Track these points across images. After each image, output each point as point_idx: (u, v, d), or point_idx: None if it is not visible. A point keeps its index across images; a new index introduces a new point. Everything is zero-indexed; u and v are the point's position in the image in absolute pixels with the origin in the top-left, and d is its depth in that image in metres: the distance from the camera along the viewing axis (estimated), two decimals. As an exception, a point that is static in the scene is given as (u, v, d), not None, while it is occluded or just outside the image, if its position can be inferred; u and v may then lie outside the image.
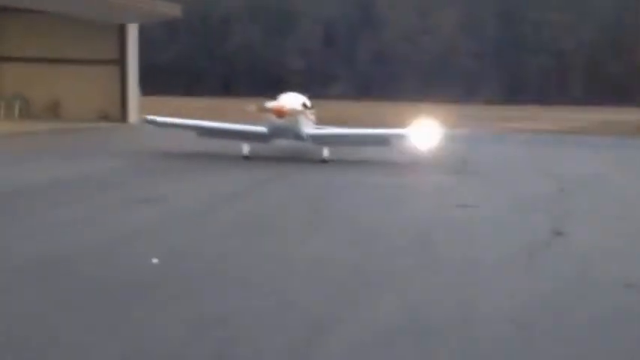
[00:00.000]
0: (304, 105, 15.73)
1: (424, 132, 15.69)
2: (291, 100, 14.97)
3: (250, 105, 14.65)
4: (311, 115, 16.39)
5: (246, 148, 15.20)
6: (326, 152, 15.12)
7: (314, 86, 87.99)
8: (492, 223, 9.03)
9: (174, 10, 25.99)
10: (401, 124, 21.85)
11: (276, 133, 14.98)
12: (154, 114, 31.21)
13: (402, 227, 8.52)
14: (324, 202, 10.22)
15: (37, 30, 26.21)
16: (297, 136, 15.19)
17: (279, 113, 14.37)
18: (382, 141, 16.14)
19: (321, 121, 32.69)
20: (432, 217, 9.28)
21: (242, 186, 11.38)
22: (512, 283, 5.99)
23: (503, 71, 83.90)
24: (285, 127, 14.72)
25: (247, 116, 15.77)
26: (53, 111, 26.96)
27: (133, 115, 26.52)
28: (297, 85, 78.24)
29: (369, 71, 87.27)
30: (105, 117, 26.66)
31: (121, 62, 26.09)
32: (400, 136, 16.52)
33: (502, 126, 33.99)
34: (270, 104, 14.58)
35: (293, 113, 14.56)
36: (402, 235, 8.00)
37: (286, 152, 16.59)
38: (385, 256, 6.98)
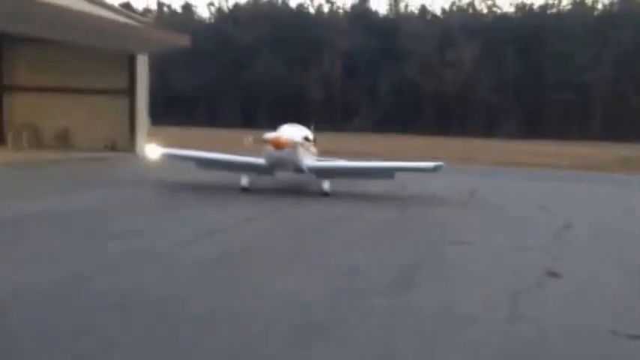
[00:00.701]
0: (305, 137, 15.40)
1: (424, 165, 15.25)
2: (290, 132, 14.65)
3: (248, 137, 14.35)
4: (312, 147, 16.04)
5: (244, 180, 14.88)
6: (326, 185, 14.73)
7: (334, 118, 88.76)
8: (483, 263, 8.50)
9: (184, 40, 26.04)
10: (417, 158, 21.52)
11: (274, 164, 14.63)
12: (165, 144, 31.25)
13: (384, 266, 8.05)
14: (307, 239, 9.77)
15: (47, 60, 26.43)
16: (296, 168, 14.84)
17: (277, 145, 14.04)
18: (386, 174, 15.73)
19: (340, 153, 32.42)
20: (420, 256, 8.78)
21: (228, 221, 10.98)
22: (480, 338, 5.49)
23: (523, 106, 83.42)
24: (283, 159, 14.38)
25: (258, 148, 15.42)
26: (63, 140, 26.99)
27: (141, 145, 26.40)
28: (318, 117, 78.58)
29: (389, 103, 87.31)
30: (113, 147, 26.64)
31: (130, 92, 26.13)
32: (404, 169, 16.08)
33: (518, 161, 33.42)
34: (268, 135, 14.26)
35: (291, 145, 14.22)
36: (381, 276, 7.52)
37: (287, 184, 16.24)
38: (353, 298, 6.52)
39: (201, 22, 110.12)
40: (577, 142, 62.29)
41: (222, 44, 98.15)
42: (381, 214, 12.68)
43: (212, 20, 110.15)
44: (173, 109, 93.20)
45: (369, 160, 23.67)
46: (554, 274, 7.90)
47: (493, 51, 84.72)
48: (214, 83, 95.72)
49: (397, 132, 73.58)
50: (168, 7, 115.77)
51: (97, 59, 25.98)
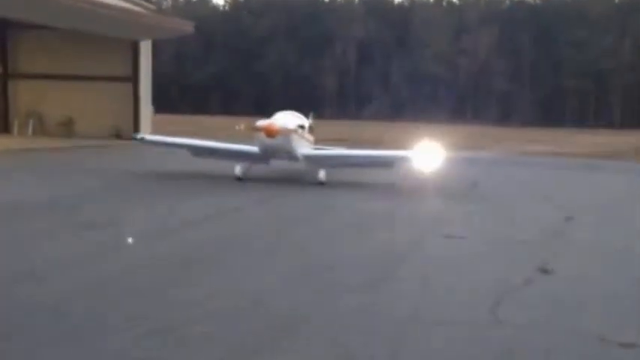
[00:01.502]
0: (301, 125, 14.85)
1: (429, 154, 14.65)
2: (283, 119, 14.11)
3: (240, 124, 13.87)
4: (308, 135, 15.50)
5: (238, 169, 14.40)
6: (322, 174, 14.20)
7: (348, 106, 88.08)
8: (471, 259, 7.95)
9: (187, 27, 25.57)
10: (429, 146, 20.90)
11: (267, 153, 14.14)
12: (170, 132, 30.86)
13: (369, 260, 7.53)
14: (291, 231, 9.29)
15: (51, 47, 26.11)
16: (290, 156, 14.33)
17: (269, 132, 13.53)
18: (385, 163, 15.16)
19: (349, 141, 31.78)
20: (408, 250, 8.25)
21: (212, 211, 10.53)
22: (451, 345, 4.96)
23: (539, 93, 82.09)
24: (276, 147, 13.87)
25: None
26: (67, 128, 26.72)
27: (144, 133, 26.02)
28: (331, 105, 77.92)
29: (403, 92, 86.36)
30: (117, 134, 26.29)
31: (134, 79, 25.74)
32: (405, 159, 15.49)
33: (530, 149, 32.63)
34: (260, 123, 13.75)
35: (284, 132, 13.70)
36: (363, 271, 7.02)
37: (282, 173, 15.74)
38: (322, 296, 6.02)
39: (215, 11, 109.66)
40: (594, 130, 61.09)
41: (237, 33, 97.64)
42: (375, 204, 12.14)
43: (226, 9, 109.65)
44: (188, 98, 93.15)
45: (377, 148, 23.13)
46: (545, 271, 7.33)
47: (509, 39, 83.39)
48: (228, 72, 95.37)
49: (411, 120, 72.75)
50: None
51: (100, 46, 25.62)
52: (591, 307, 6.13)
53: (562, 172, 21.12)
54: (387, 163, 15.17)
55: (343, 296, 6.05)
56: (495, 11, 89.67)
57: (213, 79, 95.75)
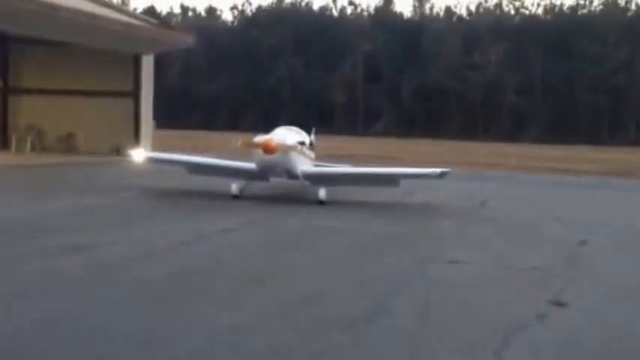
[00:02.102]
0: (301, 141, 14.25)
1: (429, 172, 13.99)
2: (282, 135, 13.50)
3: (237, 139, 13.28)
4: (309, 151, 14.89)
5: (235, 187, 13.78)
6: (322, 193, 13.54)
7: (356, 121, 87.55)
8: (479, 288, 7.26)
9: (188, 39, 25.12)
10: (435, 163, 20.28)
11: (265, 170, 13.52)
12: (178, 149, 30.35)
13: (365, 290, 6.86)
14: (283, 256, 8.62)
15: (52, 61, 25.73)
16: (289, 173, 13.69)
17: (267, 149, 12.91)
18: (389, 181, 14.50)
19: (357, 157, 31.20)
20: (407, 278, 7.56)
21: (201, 233, 9.88)
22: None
23: (552, 109, 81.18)
24: (274, 164, 13.24)
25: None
26: (67, 144, 26.26)
27: (146, 149, 25.51)
28: (340, 120, 77.57)
29: (413, 107, 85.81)
30: (118, 151, 25.75)
31: (135, 95, 25.28)
32: (410, 176, 14.85)
33: (542, 166, 31.88)
34: (258, 139, 13.15)
35: (283, 149, 13.08)
36: (356, 303, 6.34)
37: (282, 191, 15.11)
38: (312, 334, 5.35)
39: (224, 25, 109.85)
40: (609, 147, 60.13)
41: (245, 47, 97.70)
42: (377, 226, 11.46)
43: (235, 24, 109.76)
44: (195, 113, 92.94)
45: (388, 165, 22.52)
46: (560, 304, 6.62)
47: (520, 53, 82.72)
48: (237, 86, 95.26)
49: (421, 136, 72.11)
50: (193, 10, 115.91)
51: (102, 61, 25.24)
52: (613, 348, 5.42)
53: (574, 191, 20.35)
54: (391, 181, 14.50)
55: (331, 335, 5.37)
56: (506, 25, 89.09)
57: (221, 93, 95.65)
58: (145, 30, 22.87)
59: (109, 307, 5.89)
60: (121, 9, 23.32)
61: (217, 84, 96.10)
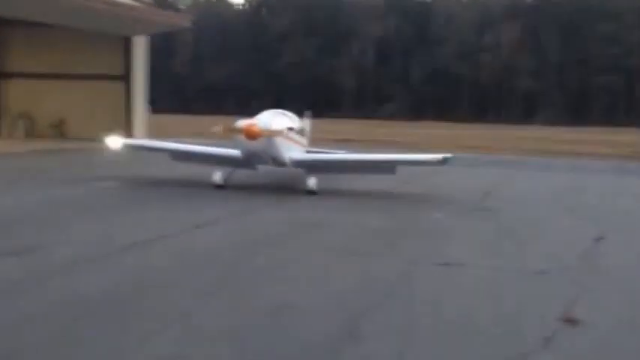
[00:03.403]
0: (290, 126, 13.08)
1: (430, 158, 12.82)
2: (267, 119, 12.34)
3: (217, 125, 12.17)
4: (299, 137, 13.73)
5: (218, 176, 12.68)
6: (312, 182, 12.42)
7: (366, 105, 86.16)
8: (473, 300, 6.13)
9: (184, 21, 23.95)
10: (443, 148, 19.14)
11: (249, 157, 12.39)
12: (173, 135, 29.27)
13: (339, 303, 5.76)
14: (255, 258, 7.52)
15: (41, 45, 24.63)
16: (276, 161, 12.56)
17: (250, 134, 11.78)
18: (386, 168, 13.34)
19: (362, 142, 29.99)
20: (390, 287, 6.43)
21: (170, 229, 8.81)
22: None
23: (566, 91, 79.22)
24: (258, 151, 12.10)
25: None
26: (59, 129, 25.25)
27: (139, 135, 24.47)
28: (349, 104, 76.41)
29: (423, 91, 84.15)
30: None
31: (126, 78, 24.18)
32: (409, 163, 13.68)
33: (555, 150, 30.48)
34: (240, 123, 12.00)
35: (268, 134, 11.95)
36: (326, 321, 5.26)
37: (271, 180, 14.00)
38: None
39: (233, 9, 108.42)
40: (625, 128, 58.29)
41: (255, 32, 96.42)
42: (368, 218, 10.35)
43: (245, 7, 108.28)
44: (206, 98, 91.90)
45: (391, 150, 21.39)
46: (572, 322, 5.48)
47: (534, 34, 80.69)
48: (247, 71, 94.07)
49: (431, 119, 70.62)
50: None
51: (93, 43, 24.15)
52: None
53: (589, 177, 19.02)
54: (388, 169, 13.33)
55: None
56: (519, 6, 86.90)
57: (231, 78, 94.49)
58: (135, 10, 21.70)
59: (6, 340, 4.83)
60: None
61: (227, 69, 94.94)
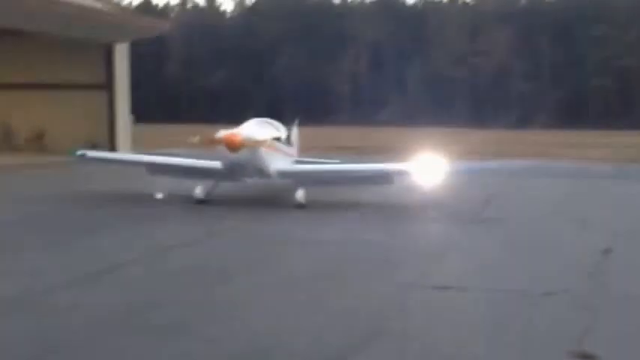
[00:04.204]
0: (276, 136, 12.31)
1: (433, 166, 12.06)
2: (250, 129, 11.58)
3: (194, 136, 11.40)
4: (287, 146, 12.96)
5: (199, 190, 11.90)
6: (300, 195, 11.66)
7: (361, 111, 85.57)
8: (471, 332, 5.36)
9: (163, 26, 23.18)
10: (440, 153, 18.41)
11: (231, 169, 11.62)
12: (157, 145, 28.43)
13: (307, 347, 4.98)
14: (231, 283, 6.76)
15: (18, 54, 23.52)
16: (261, 173, 11.79)
17: (231, 145, 11.02)
18: (380, 178, 12.56)
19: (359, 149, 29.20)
20: (375, 322, 5.66)
21: (131, 254, 8.04)
22: None
23: (560, 93, 78.62)
24: (241, 162, 11.34)
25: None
26: (38, 142, 24.27)
27: (123, 146, 23.64)
28: (344, 110, 75.63)
29: (418, 96, 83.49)
30: (94, 148, 23.83)
31: (108, 87, 23.32)
32: (403, 172, 12.89)
33: (553, 153, 29.78)
34: (221, 134, 11.24)
35: (251, 144, 11.19)
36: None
37: (258, 193, 13.24)
38: None
39: (224, 16, 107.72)
40: (621, 131, 57.66)
41: (246, 38, 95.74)
42: (360, 234, 9.60)
43: (235, 14, 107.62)
44: (197, 106, 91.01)
45: (387, 157, 20.58)
46: (585, 358, 4.72)
47: (528, 37, 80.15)
48: (239, 78, 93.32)
49: (427, 124, 69.95)
50: (192, 1, 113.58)
51: (72, 51, 23.19)
52: None
53: (591, 182, 18.27)
54: (384, 178, 12.56)
55: None
56: (511, 10, 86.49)
57: (223, 85, 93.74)
58: (110, 15, 20.88)
59: None
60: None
61: (219, 76, 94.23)
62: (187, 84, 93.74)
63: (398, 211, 12.09)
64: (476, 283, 6.84)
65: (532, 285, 6.85)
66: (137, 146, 24.96)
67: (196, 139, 11.28)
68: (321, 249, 8.53)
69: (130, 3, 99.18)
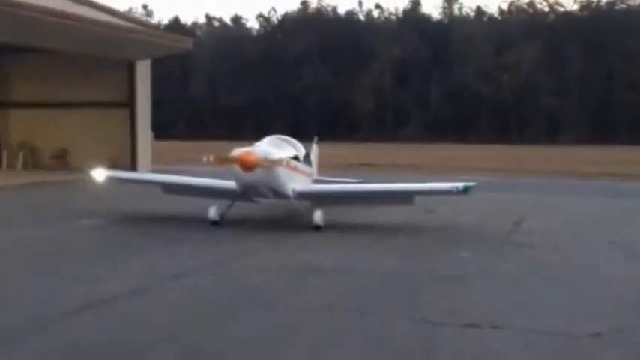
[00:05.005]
0: (294, 155, 11.72)
1: (450, 187, 11.38)
2: (265, 148, 11.00)
3: (207, 155, 10.85)
4: (305, 165, 12.36)
5: (213, 211, 11.33)
6: (318, 216, 11.04)
7: (385, 127, 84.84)
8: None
9: (186, 43, 22.92)
10: (466, 170, 17.72)
11: (246, 190, 11.04)
12: (180, 161, 28.13)
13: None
14: (232, 322, 6.09)
15: (43, 72, 23.58)
16: (277, 193, 11.20)
17: (245, 165, 10.45)
18: (402, 199, 11.91)
19: (381, 167, 28.62)
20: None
21: (141, 281, 7.47)
22: None
23: (588, 109, 77.12)
24: (256, 183, 10.76)
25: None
26: (61, 161, 24.14)
27: (143, 164, 23.30)
28: (368, 127, 75.15)
29: (442, 111, 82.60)
30: (116, 166, 23.51)
31: (130, 104, 23.07)
32: (426, 192, 12.22)
33: (582, 171, 28.77)
34: (235, 153, 10.68)
35: (266, 164, 10.61)
36: None
37: (276, 214, 12.65)
38: None
39: (250, 34, 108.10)
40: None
41: (271, 55, 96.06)
42: (378, 260, 8.94)
43: (261, 32, 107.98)
44: (221, 122, 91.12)
45: (409, 175, 20.01)
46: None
47: (555, 52, 78.95)
48: (263, 95, 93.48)
49: (451, 141, 69.03)
50: (219, 20, 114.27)
51: (95, 69, 23.14)
52: None
53: (629, 202, 17.35)
54: (405, 199, 11.89)
55: None
56: (539, 24, 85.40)
57: (247, 102, 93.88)
58: (137, 33, 20.64)
59: None
60: (105, 8, 21.05)
61: (243, 93, 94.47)
62: (213, 101, 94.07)
63: (420, 233, 11.37)
64: (510, 321, 6.11)
65: (574, 324, 6.09)
66: (158, 163, 24.64)
67: (208, 158, 10.72)
68: (337, 278, 7.87)
69: (160, 22, 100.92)
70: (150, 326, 5.86)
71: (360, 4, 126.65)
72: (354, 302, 6.78)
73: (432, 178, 17.24)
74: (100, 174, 12.94)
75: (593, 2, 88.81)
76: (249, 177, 10.63)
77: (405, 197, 11.86)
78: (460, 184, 11.24)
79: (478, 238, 11.02)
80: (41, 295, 6.82)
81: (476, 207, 14.04)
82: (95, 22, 18.78)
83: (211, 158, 10.67)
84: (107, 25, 19.16)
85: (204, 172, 15.11)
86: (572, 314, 6.43)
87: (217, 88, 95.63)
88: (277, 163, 10.79)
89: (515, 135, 75.00)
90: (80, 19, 17.66)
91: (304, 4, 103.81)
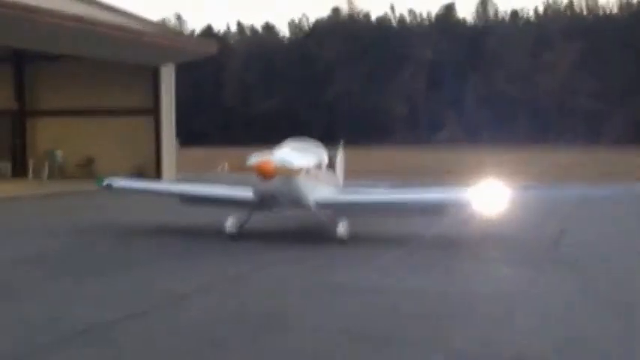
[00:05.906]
0: (317, 163, 10.88)
1: (492, 194, 10.44)
2: (285, 155, 10.21)
3: (222, 164, 10.12)
4: (329, 173, 11.53)
5: (230, 223, 10.58)
6: (342, 228, 10.21)
7: (419, 132, 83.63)
8: None
9: (211, 48, 22.35)
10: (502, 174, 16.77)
11: (265, 199, 10.27)
12: (202, 169, 27.58)
13: None
14: (238, 350, 5.37)
15: (68, 80, 23.40)
16: (297, 203, 10.40)
17: (263, 173, 9.69)
18: (431, 210, 11.00)
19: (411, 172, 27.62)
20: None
21: (144, 303, 6.78)
22: None
23: (630, 111, 74.67)
24: (273, 193, 9.97)
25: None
26: (87, 169, 23.79)
27: (168, 171, 22.78)
28: (402, 131, 73.86)
29: (478, 115, 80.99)
30: (140, 174, 23.07)
31: (155, 111, 22.61)
32: (459, 202, 11.27)
33: (626, 172, 27.28)
34: (253, 160, 9.92)
35: (285, 173, 9.83)
36: None
37: (296, 225, 11.88)
38: None
39: (282, 40, 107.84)
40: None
41: (303, 62, 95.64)
42: (407, 278, 8.07)
43: (293, 38, 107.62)
44: (253, 129, 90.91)
45: (442, 182, 19.04)
46: None
47: (594, 54, 76.77)
48: (295, 102, 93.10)
49: (487, 144, 67.47)
50: (251, 27, 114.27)
51: (120, 76, 22.79)
52: None
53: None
54: (437, 209, 10.99)
55: None
56: (578, 26, 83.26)
57: (279, 109, 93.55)
58: (164, 40, 20.19)
59: None
60: (126, 13, 20.58)
61: (275, 99, 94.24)
62: (244, 107, 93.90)
63: (454, 248, 10.44)
64: (561, 356, 5.21)
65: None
66: (184, 170, 24.14)
67: (223, 167, 9.99)
68: (360, 299, 7.03)
69: (193, 31, 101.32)
70: (149, 354, 5.14)
71: (393, 9, 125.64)
72: (381, 327, 5.95)
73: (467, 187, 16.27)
74: (113, 184, 12.31)
75: (633, 3, 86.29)
76: (268, 186, 9.86)
77: (437, 208, 10.95)
78: (495, 195, 10.30)
79: (518, 250, 10.05)
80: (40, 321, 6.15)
81: (512, 216, 12.96)
82: (115, 27, 18.34)
83: (226, 167, 9.91)
84: (127, 30, 18.71)
85: (233, 179, 14.50)
86: (635, 344, 5.49)
87: (249, 94, 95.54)
88: (297, 172, 9.98)
89: (554, 138, 73.03)
90: (100, 23, 17.24)
91: (335, 10, 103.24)
